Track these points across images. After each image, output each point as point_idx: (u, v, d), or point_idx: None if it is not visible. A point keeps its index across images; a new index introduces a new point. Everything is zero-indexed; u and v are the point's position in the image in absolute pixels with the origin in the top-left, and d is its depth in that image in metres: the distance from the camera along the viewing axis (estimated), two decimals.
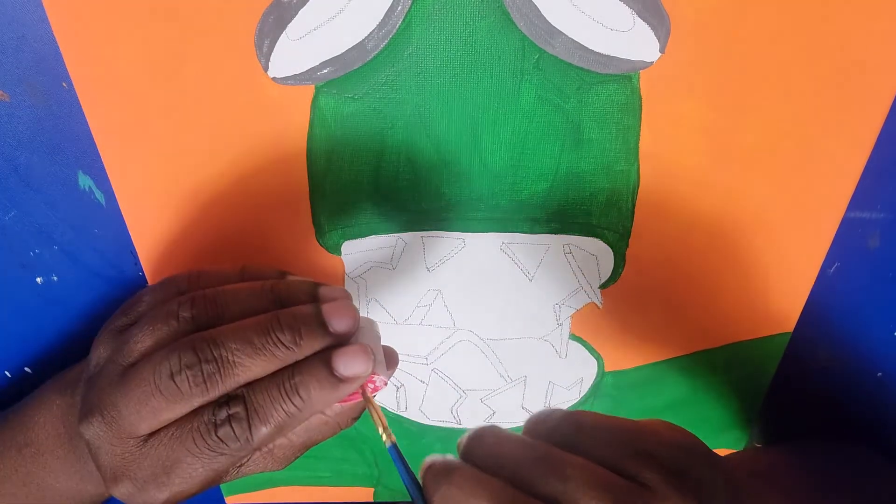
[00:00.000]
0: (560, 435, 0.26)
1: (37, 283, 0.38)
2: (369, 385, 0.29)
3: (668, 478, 0.25)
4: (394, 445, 0.28)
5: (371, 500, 0.48)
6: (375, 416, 0.29)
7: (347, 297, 0.30)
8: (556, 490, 0.24)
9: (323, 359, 0.28)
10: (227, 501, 0.48)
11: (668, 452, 0.26)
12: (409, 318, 0.38)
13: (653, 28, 0.29)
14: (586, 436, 0.26)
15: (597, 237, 0.35)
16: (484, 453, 0.26)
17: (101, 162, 0.33)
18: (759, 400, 0.42)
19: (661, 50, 0.30)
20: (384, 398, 0.43)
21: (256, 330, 0.27)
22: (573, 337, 0.39)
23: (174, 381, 0.26)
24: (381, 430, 0.28)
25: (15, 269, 0.36)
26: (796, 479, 0.35)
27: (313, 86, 0.31)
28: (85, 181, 0.34)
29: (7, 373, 0.40)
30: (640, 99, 0.31)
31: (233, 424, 0.27)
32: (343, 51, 0.30)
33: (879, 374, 0.41)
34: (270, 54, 0.30)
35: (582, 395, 0.42)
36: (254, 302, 0.29)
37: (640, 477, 0.25)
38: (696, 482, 0.25)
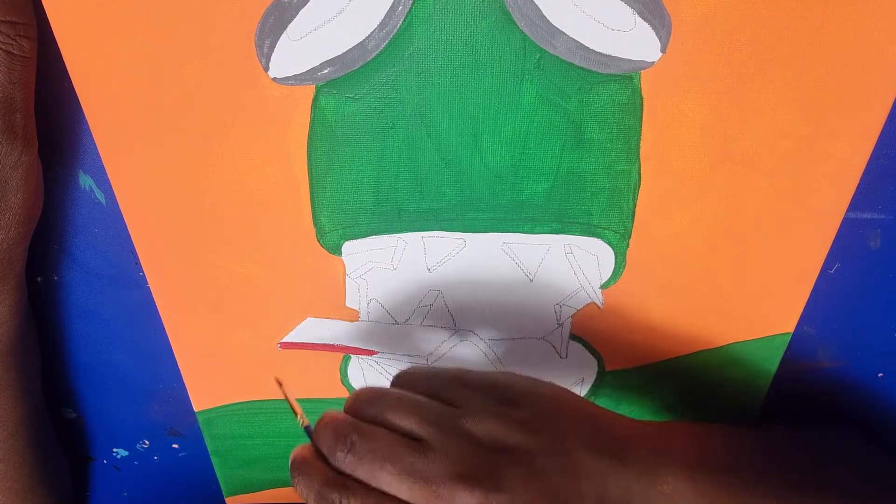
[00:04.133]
0: (404, 381, 0.32)
1: (37, 282, 0.38)
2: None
3: (486, 404, 0.30)
4: (308, 426, 0.32)
5: None
6: (292, 405, 0.33)
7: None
8: (377, 415, 0.29)
9: None
10: (227, 502, 0.48)
11: (491, 387, 0.31)
12: (410, 318, 0.38)
13: (654, 28, 0.29)
14: (424, 382, 0.31)
15: (598, 237, 0.35)
16: (349, 405, 0.31)
17: (102, 162, 0.33)
18: (759, 400, 0.42)
19: (663, 50, 0.30)
20: None
21: None
22: (573, 337, 0.39)
23: None
24: (297, 415, 0.33)
25: None
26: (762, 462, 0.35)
27: (314, 86, 0.31)
28: (85, 181, 0.34)
29: None
30: (642, 99, 0.31)
31: None
32: (344, 51, 0.30)
33: (880, 374, 0.41)
34: (271, 54, 0.29)
35: (582, 394, 0.42)
36: None
37: (454, 401, 0.30)
38: (519, 411, 0.30)
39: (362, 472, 0.28)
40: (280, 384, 0.34)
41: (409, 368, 0.33)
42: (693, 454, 0.32)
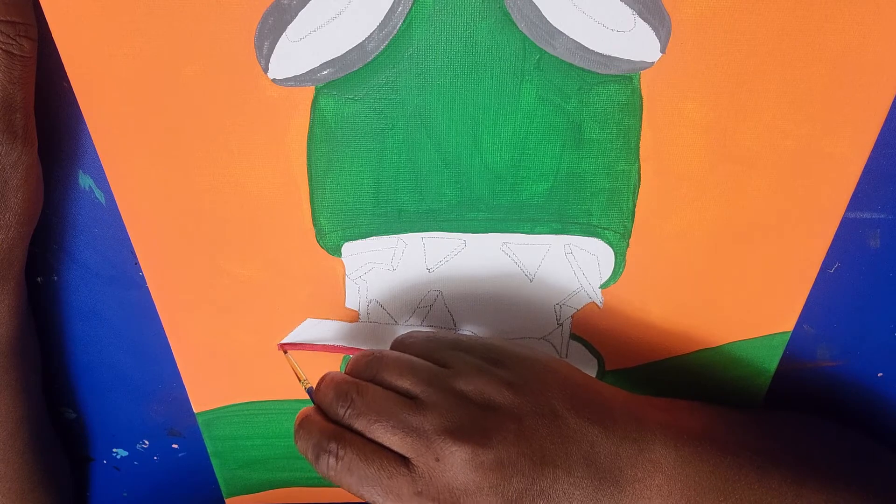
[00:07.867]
0: (402, 345, 0.33)
1: (37, 282, 0.38)
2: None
3: (476, 363, 0.31)
4: (311, 388, 0.33)
5: None
6: (296, 371, 0.36)
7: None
8: (375, 375, 0.31)
9: None
10: (227, 503, 0.48)
11: (483, 350, 0.32)
12: (410, 318, 0.38)
13: (654, 28, 0.29)
14: (420, 345, 0.33)
15: (597, 237, 0.35)
16: (350, 367, 0.33)
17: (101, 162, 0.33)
18: (758, 399, 0.42)
19: (662, 50, 0.30)
20: None
21: None
22: (573, 337, 0.39)
23: None
24: (301, 379, 0.35)
25: None
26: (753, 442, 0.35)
27: (313, 87, 0.31)
28: (85, 181, 0.34)
29: None
30: (641, 99, 0.31)
31: None
32: (343, 52, 0.30)
33: (880, 374, 0.41)
34: (270, 56, 0.29)
35: None
36: None
37: (447, 363, 0.31)
38: (508, 373, 0.31)
39: (359, 424, 0.29)
40: (285, 352, 0.37)
41: (406, 333, 0.34)
42: (674, 424, 0.33)
